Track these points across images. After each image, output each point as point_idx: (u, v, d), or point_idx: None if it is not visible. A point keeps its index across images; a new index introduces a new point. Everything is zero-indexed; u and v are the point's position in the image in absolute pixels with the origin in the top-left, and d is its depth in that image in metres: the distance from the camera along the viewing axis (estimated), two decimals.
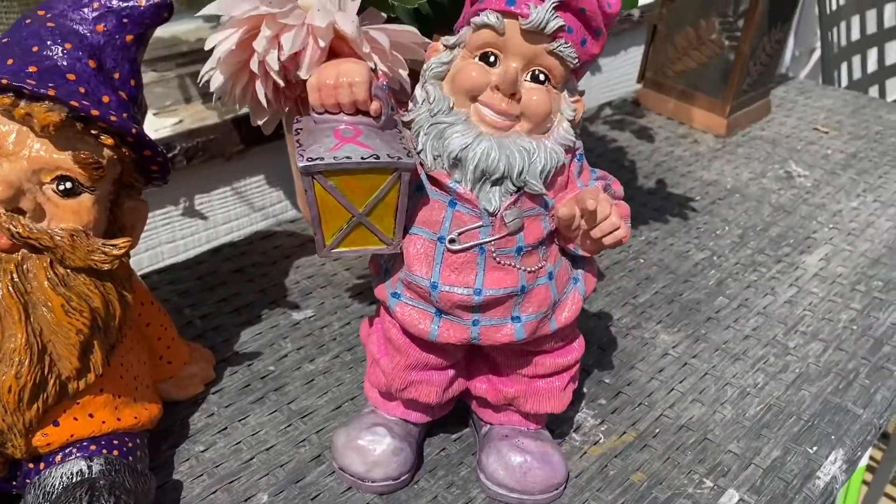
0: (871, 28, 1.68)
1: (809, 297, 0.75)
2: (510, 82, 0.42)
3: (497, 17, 0.42)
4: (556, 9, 0.41)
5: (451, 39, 0.45)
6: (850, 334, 0.70)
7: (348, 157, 0.40)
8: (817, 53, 1.87)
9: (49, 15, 0.46)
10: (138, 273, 0.77)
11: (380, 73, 0.42)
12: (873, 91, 1.70)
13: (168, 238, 0.83)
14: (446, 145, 0.43)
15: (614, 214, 0.43)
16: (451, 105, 0.44)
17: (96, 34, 0.46)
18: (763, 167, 1.00)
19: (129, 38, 0.47)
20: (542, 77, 0.43)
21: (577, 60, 0.43)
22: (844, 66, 1.61)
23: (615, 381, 0.63)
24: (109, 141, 0.45)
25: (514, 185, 0.43)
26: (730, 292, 0.75)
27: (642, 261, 0.79)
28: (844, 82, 1.62)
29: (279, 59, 0.41)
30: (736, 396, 0.62)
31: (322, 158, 0.40)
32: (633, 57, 1.31)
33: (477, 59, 0.44)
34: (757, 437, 0.58)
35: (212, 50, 0.48)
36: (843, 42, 1.60)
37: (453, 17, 0.52)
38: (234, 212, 0.91)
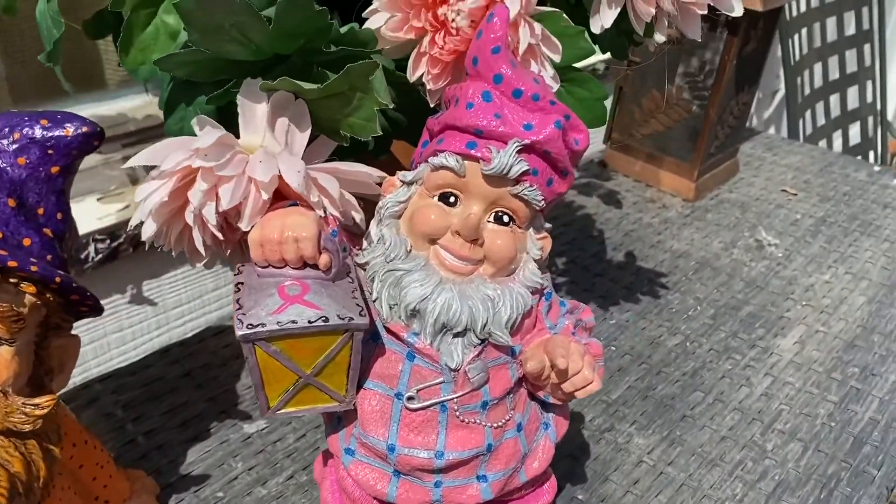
0: (834, 74, 1.68)
1: (786, 387, 0.72)
2: (471, 229, 0.38)
3: (457, 160, 0.38)
4: (519, 152, 0.38)
5: (408, 175, 0.41)
6: (829, 432, 0.67)
7: (293, 322, 0.36)
8: (780, 94, 1.87)
9: None
10: (82, 379, 0.72)
11: (330, 218, 0.39)
12: (837, 136, 1.70)
13: (115, 328, 0.78)
14: (403, 295, 0.39)
15: (587, 367, 0.40)
16: (408, 248, 0.40)
17: (17, 167, 0.42)
18: (733, 235, 0.98)
19: (54, 169, 0.43)
20: (505, 218, 0.40)
21: (542, 202, 0.40)
22: (809, 114, 1.61)
23: (588, 498, 0.60)
24: (31, 289, 0.40)
25: (477, 337, 0.40)
26: (705, 385, 0.72)
27: (614, 349, 0.76)
28: (809, 129, 1.62)
29: (216, 213, 0.37)
30: None
31: (264, 325, 0.36)
32: None
33: (436, 198, 0.40)
34: None
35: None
36: (808, 90, 1.60)
37: (409, 132, 0.49)
38: (185, 294, 0.87)
